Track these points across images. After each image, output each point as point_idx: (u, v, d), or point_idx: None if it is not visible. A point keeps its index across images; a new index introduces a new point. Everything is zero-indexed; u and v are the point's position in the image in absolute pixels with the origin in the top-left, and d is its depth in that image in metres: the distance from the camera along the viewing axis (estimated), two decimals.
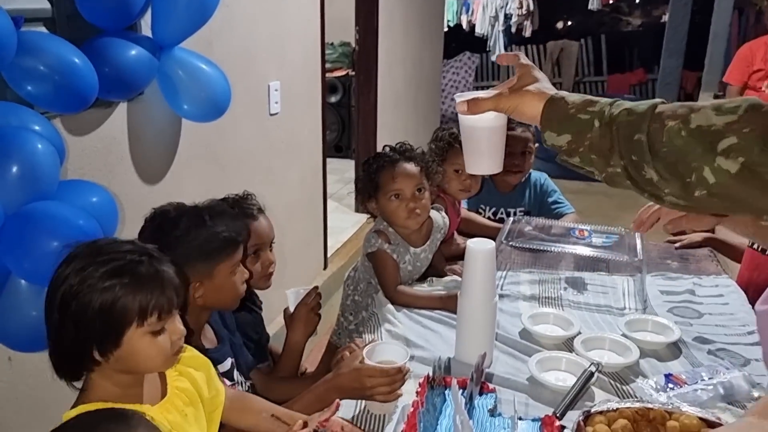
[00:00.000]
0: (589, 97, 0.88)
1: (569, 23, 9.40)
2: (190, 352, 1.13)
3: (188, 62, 1.83)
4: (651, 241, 2.13)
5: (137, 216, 1.35)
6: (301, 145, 3.23)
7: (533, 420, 1.08)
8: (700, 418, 1.14)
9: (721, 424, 1.11)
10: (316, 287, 1.61)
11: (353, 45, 4.12)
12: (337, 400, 1.09)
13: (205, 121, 2.02)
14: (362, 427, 1.17)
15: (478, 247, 1.33)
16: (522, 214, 2.33)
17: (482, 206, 2.39)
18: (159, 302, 0.95)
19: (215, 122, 2.05)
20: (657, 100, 0.84)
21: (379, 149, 4.21)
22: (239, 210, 1.57)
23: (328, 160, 3.58)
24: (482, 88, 5.54)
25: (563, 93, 0.90)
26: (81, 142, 1.71)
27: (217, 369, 1.21)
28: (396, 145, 1.83)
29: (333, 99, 5.61)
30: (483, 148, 0.99)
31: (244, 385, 1.39)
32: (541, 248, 1.78)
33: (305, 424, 1.09)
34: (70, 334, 0.94)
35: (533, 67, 0.95)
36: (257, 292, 1.71)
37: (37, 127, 1.36)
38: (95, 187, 1.56)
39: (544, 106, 0.89)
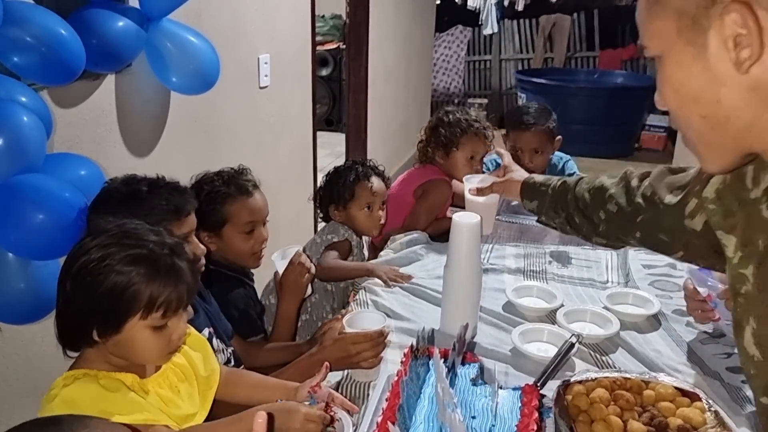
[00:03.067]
0: (549, 176, 1.41)
1: None
2: (189, 330, 1.15)
3: (176, 34, 1.82)
4: None
5: None
6: (291, 118, 3.23)
7: (514, 389, 1.11)
8: (676, 388, 1.18)
9: (696, 394, 1.16)
10: (303, 249, 1.62)
11: (344, 17, 4.08)
12: (326, 363, 1.11)
13: (194, 94, 2.01)
14: (348, 396, 1.20)
15: (464, 221, 1.35)
16: None
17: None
18: (169, 297, 0.97)
19: (204, 95, 2.04)
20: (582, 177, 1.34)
21: (370, 122, 4.25)
22: (234, 185, 1.59)
23: (319, 134, 3.57)
24: (475, 63, 5.56)
25: (533, 176, 1.44)
26: (69, 115, 1.70)
27: None
28: (368, 161, 2.06)
29: (324, 72, 5.59)
30: (481, 215, 1.41)
31: (225, 352, 1.41)
32: (527, 222, 1.80)
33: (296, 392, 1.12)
34: (76, 306, 0.96)
35: (513, 164, 1.55)
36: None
37: (23, 99, 1.36)
38: (83, 159, 1.56)
39: (522, 185, 1.43)
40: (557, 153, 2.49)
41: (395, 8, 4.61)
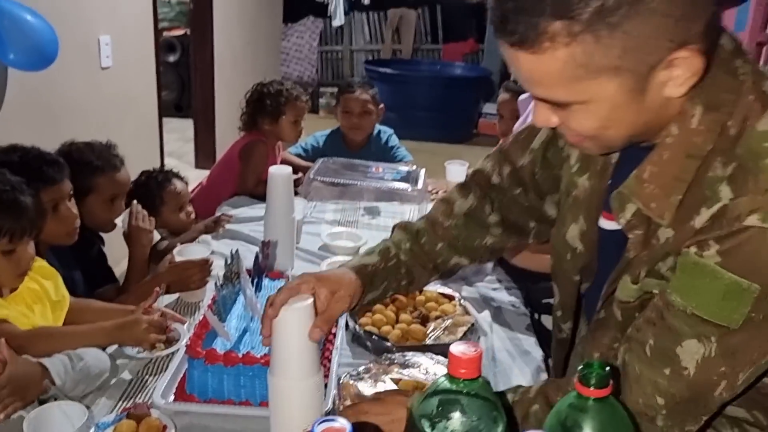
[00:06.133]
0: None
1: None
2: (40, 262, 1.35)
3: (10, 11, 1.93)
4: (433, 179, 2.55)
5: None
6: (136, 100, 3.33)
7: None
8: (439, 293, 1.54)
9: (452, 295, 1.52)
10: (134, 203, 1.82)
11: (189, 3, 4.20)
12: (156, 288, 1.36)
13: (33, 70, 2.12)
14: (180, 314, 1.45)
15: (278, 172, 1.64)
16: None
17: None
18: (12, 227, 1.17)
19: (45, 73, 2.16)
20: None
21: (217, 108, 4.40)
22: (104, 159, 1.77)
23: (169, 119, 3.70)
24: (327, 53, 5.84)
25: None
26: None
27: None
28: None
29: (172, 58, 5.63)
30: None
31: None
32: (342, 182, 2.13)
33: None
34: None
35: None
36: None
37: None
38: None
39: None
40: (382, 127, 2.86)
41: None
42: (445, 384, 0.71)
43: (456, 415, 0.69)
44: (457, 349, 0.70)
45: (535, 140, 1.12)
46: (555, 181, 1.09)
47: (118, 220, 1.84)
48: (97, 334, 1.24)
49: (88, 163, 1.75)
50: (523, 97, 2.26)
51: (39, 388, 1.07)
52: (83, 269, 1.73)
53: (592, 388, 0.67)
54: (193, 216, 2.20)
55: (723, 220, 0.77)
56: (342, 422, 0.65)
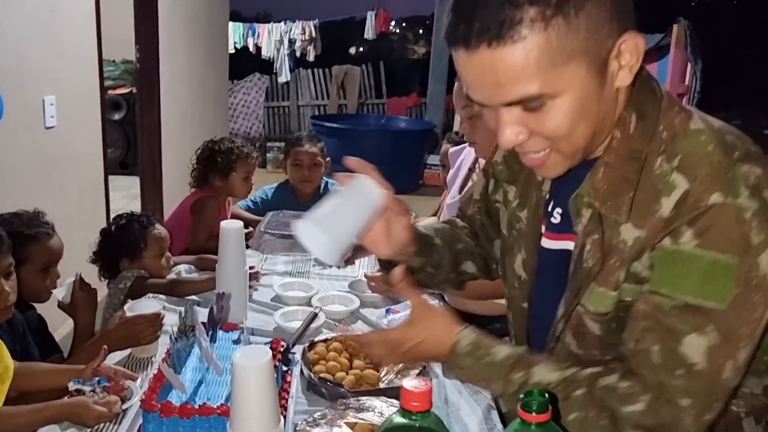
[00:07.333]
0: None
1: (360, 49, 10.15)
2: None
3: None
4: None
5: None
6: (81, 159, 3.31)
7: (265, 343, 1.42)
8: None
9: None
10: (78, 274, 1.80)
11: (135, 62, 4.24)
12: (104, 346, 1.35)
13: None
14: (132, 371, 1.44)
15: (230, 226, 1.67)
16: None
17: None
18: None
19: None
20: None
21: (165, 165, 4.39)
22: (34, 228, 1.72)
23: (114, 177, 3.68)
24: (274, 108, 5.99)
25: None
26: None
27: None
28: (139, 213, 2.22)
29: (117, 116, 5.62)
30: None
31: None
32: (293, 234, 2.15)
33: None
34: None
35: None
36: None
37: None
38: None
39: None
40: (330, 179, 2.93)
41: (187, 54, 4.84)
42: (399, 418, 0.75)
43: None
44: (410, 383, 0.74)
45: (475, 192, 1.24)
46: (498, 226, 1.19)
47: (59, 293, 1.78)
48: (42, 418, 1.22)
49: (18, 233, 1.68)
50: (453, 149, 2.37)
51: None
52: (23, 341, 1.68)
53: (534, 414, 0.73)
54: (172, 263, 2.12)
55: (688, 204, 0.82)
56: None
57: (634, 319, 0.89)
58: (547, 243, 1.04)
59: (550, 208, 1.04)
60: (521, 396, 0.73)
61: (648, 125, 0.89)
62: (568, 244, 0.98)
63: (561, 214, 1.01)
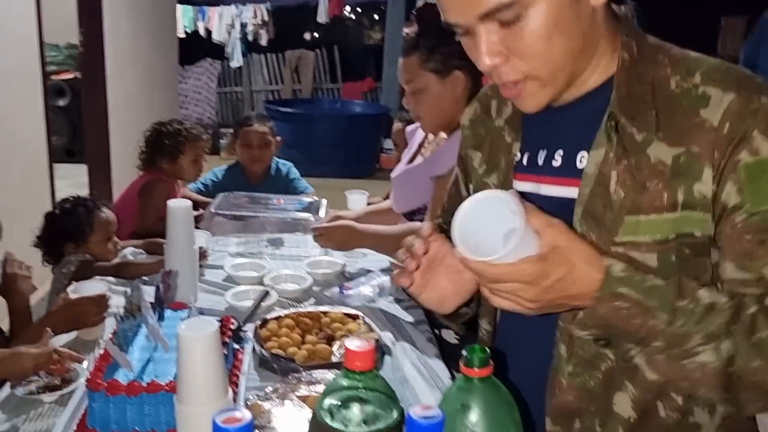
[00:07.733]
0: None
1: (315, 34, 10.03)
2: None
3: None
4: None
5: None
6: (23, 146, 3.21)
7: (217, 320, 1.41)
8: (344, 313, 1.59)
9: (357, 315, 1.57)
10: (6, 252, 1.74)
11: (80, 47, 4.10)
12: (47, 328, 1.31)
13: None
14: (78, 353, 1.40)
15: (178, 204, 1.64)
16: None
17: None
18: None
19: None
20: None
21: (113, 152, 4.29)
22: None
23: (61, 165, 3.57)
24: (227, 94, 5.95)
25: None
26: None
27: None
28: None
29: (62, 102, 5.44)
30: None
31: None
32: (244, 215, 2.14)
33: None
34: None
35: None
36: None
37: None
38: None
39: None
40: (280, 161, 2.91)
41: (133, 38, 4.72)
42: (343, 380, 0.75)
43: (354, 405, 0.73)
44: (353, 344, 0.74)
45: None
46: None
47: None
48: None
49: None
50: (410, 127, 2.37)
51: None
52: None
53: (476, 369, 0.74)
54: (119, 247, 2.09)
55: (743, 114, 0.81)
56: (243, 412, 0.68)
57: (739, 242, 0.83)
58: (547, 190, 0.96)
59: (542, 159, 0.97)
60: (462, 353, 0.74)
61: (648, 51, 0.90)
62: (568, 191, 0.93)
63: (562, 156, 0.95)
